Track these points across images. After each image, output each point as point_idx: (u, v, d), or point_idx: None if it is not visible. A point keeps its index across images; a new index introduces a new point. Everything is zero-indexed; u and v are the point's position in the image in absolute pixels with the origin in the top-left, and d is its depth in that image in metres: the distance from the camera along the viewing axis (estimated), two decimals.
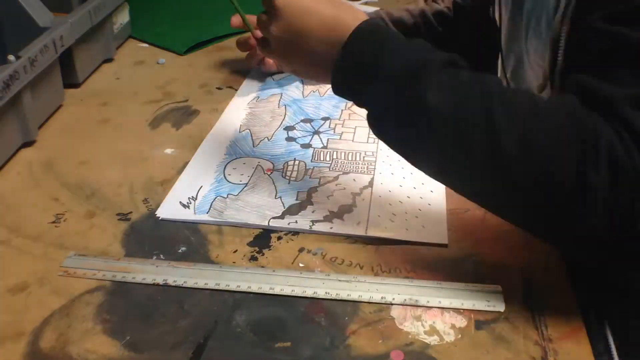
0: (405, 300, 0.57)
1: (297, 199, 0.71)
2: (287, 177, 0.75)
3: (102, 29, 1.01)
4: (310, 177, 0.75)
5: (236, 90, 0.96)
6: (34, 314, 0.55)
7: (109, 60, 1.04)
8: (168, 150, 0.80)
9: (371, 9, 1.31)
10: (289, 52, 0.64)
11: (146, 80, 0.99)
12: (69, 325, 0.54)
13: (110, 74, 1.01)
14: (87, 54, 0.97)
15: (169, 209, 0.69)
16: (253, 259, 0.62)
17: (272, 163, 0.78)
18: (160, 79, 0.99)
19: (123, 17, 1.09)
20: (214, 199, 0.70)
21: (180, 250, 0.63)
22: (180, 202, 0.70)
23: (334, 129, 0.85)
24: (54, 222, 0.67)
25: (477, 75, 0.53)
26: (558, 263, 0.62)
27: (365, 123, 0.84)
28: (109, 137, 0.83)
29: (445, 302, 0.57)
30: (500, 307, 0.56)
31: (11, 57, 0.75)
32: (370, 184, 0.74)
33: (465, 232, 0.66)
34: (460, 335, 0.54)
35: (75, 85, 0.95)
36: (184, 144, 0.82)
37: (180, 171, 0.76)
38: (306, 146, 0.81)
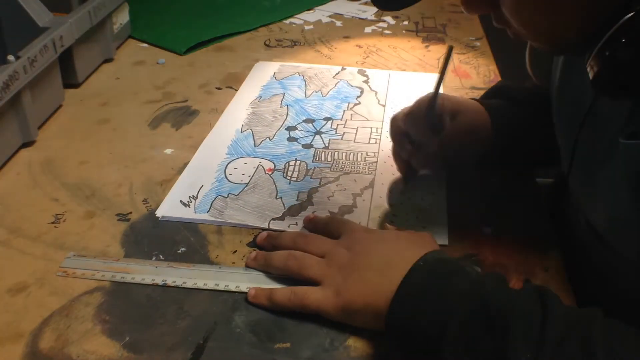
0: None
1: (297, 200, 0.71)
2: (288, 177, 0.75)
3: (102, 29, 1.01)
4: (311, 178, 0.75)
5: (236, 90, 0.96)
6: (33, 314, 0.55)
7: (108, 60, 1.04)
8: (168, 151, 0.80)
9: (372, 9, 1.31)
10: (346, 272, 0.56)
11: (146, 81, 0.99)
12: (68, 325, 0.54)
13: (110, 74, 1.01)
14: (86, 54, 0.97)
15: (169, 208, 0.69)
16: None
17: (273, 163, 0.78)
18: (160, 79, 0.99)
19: (123, 17, 1.09)
20: (215, 198, 0.70)
21: (179, 251, 0.63)
22: (180, 201, 0.70)
23: (336, 129, 0.85)
24: (53, 222, 0.67)
25: (576, 327, 0.45)
26: (558, 263, 0.62)
27: (367, 124, 0.84)
28: (109, 137, 0.83)
29: None
30: None
31: (11, 57, 0.75)
32: (371, 184, 0.73)
33: (465, 232, 0.66)
34: None
35: (75, 85, 0.95)
36: (183, 144, 0.81)
37: (180, 171, 0.75)
38: (307, 146, 0.81)
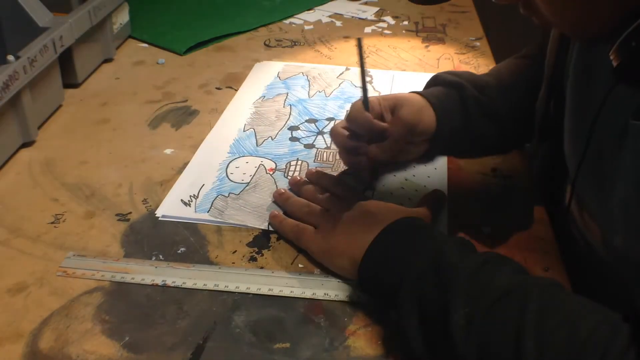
0: None
1: None
2: (289, 177, 0.75)
3: (102, 29, 1.01)
4: None
5: (236, 90, 0.96)
6: (33, 314, 0.55)
7: (108, 60, 1.04)
8: (167, 151, 0.80)
9: (372, 9, 1.31)
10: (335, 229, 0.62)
11: (146, 81, 0.99)
12: (68, 325, 0.54)
13: (110, 74, 1.01)
14: (86, 54, 0.97)
15: (170, 207, 0.69)
16: (252, 259, 0.62)
17: (275, 163, 0.78)
18: (160, 79, 0.99)
19: (123, 17, 1.09)
20: (215, 198, 0.70)
21: (179, 251, 0.63)
22: (181, 200, 0.70)
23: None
24: (53, 222, 0.67)
25: (514, 291, 0.48)
26: (558, 263, 0.62)
27: None
28: (109, 137, 0.83)
29: None
30: None
31: (11, 57, 0.75)
32: (372, 185, 0.73)
33: (465, 232, 0.66)
34: None
35: (75, 85, 0.95)
36: (183, 144, 0.81)
37: (179, 171, 0.75)
38: (309, 146, 0.81)
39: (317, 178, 0.72)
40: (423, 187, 0.73)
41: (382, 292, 0.55)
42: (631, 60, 0.48)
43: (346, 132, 0.70)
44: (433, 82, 0.75)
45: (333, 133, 0.72)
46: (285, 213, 0.68)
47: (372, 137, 0.69)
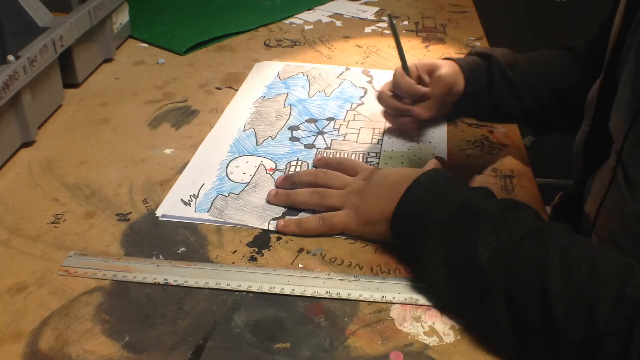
0: (405, 299, 0.57)
1: None
2: None
3: (102, 29, 1.01)
4: None
5: (236, 90, 0.96)
6: (33, 314, 0.55)
7: (108, 60, 1.04)
8: (167, 151, 0.80)
9: (372, 9, 1.31)
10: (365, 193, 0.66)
11: (146, 81, 0.99)
12: (68, 325, 0.54)
13: (110, 74, 1.01)
14: (86, 54, 0.97)
15: (170, 207, 0.69)
16: (252, 259, 0.62)
17: (275, 162, 0.78)
18: (159, 79, 0.99)
19: (123, 17, 1.09)
20: (215, 197, 0.70)
21: (179, 251, 0.63)
22: (181, 200, 0.70)
23: (338, 129, 0.85)
24: (53, 222, 0.67)
25: (536, 231, 0.52)
26: None
27: (369, 124, 0.86)
28: (109, 137, 0.83)
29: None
30: None
31: (11, 57, 0.75)
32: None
33: None
34: (459, 336, 0.54)
35: (75, 85, 0.95)
36: (183, 144, 0.82)
37: (179, 171, 0.75)
38: (310, 146, 0.81)
39: (325, 162, 0.75)
40: None
41: (412, 240, 0.58)
42: None
43: (391, 95, 0.81)
44: (468, 53, 0.85)
45: (380, 97, 0.82)
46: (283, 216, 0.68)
47: (416, 98, 0.79)
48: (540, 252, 0.50)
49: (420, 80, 0.80)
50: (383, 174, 0.66)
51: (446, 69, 0.78)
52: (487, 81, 0.80)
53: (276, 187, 0.72)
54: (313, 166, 0.76)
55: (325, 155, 0.79)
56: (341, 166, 0.73)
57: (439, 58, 0.85)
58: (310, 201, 0.67)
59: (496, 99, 0.80)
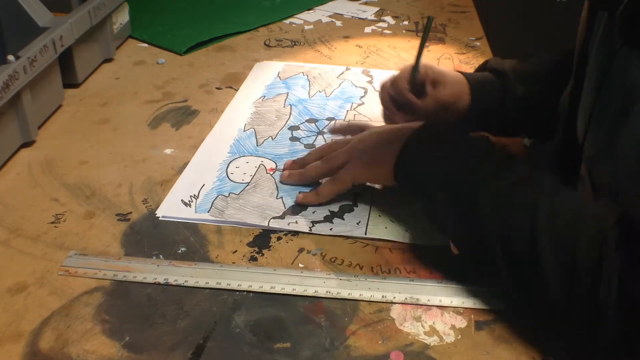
0: (405, 299, 0.57)
1: None
2: None
3: (102, 29, 1.01)
4: None
5: (236, 90, 0.96)
6: (33, 314, 0.55)
7: (108, 60, 1.04)
8: (167, 151, 0.80)
9: (372, 9, 1.31)
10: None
11: (146, 81, 0.99)
12: (68, 325, 0.54)
13: (110, 74, 1.01)
14: (86, 54, 0.97)
15: (170, 207, 0.69)
16: (252, 259, 0.62)
17: (275, 162, 0.78)
18: (160, 79, 0.99)
19: (123, 17, 1.09)
20: (216, 198, 0.70)
21: (179, 251, 0.63)
22: (182, 200, 0.70)
23: (329, 128, 0.85)
24: (53, 222, 0.67)
25: (530, 177, 0.57)
26: None
27: (369, 124, 0.86)
28: (109, 137, 0.83)
29: (446, 301, 0.57)
30: (501, 307, 0.56)
31: (11, 57, 0.75)
32: (372, 184, 0.73)
33: None
34: (460, 336, 0.54)
35: (75, 85, 0.95)
36: (183, 144, 0.81)
37: (179, 171, 0.75)
38: (310, 146, 0.81)
39: (337, 129, 0.80)
40: None
41: (417, 185, 0.63)
42: (632, 21, 0.52)
43: (388, 94, 0.78)
44: (482, 68, 0.82)
45: (381, 89, 0.79)
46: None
47: (403, 104, 0.76)
48: (531, 198, 0.54)
49: (421, 88, 0.77)
50: (385, 126, 0.71)
51: (449, 88, 0.75)
52: (498, 103, 0.76)
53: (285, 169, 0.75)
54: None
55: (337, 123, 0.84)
56: (350, 129, 0.77)
57: (439, 57, 0.83)
58: (320, 171, 0.71)
59: (507, 118, 0.77)
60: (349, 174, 0.68)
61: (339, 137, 0.77)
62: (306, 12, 1.29)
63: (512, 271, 0.54)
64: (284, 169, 0.75)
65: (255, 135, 0.83)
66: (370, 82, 0.99)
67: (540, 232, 0.52)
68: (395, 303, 0.57)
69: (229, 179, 0.74)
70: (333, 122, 0.86)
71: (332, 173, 0.70)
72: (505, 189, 0.56)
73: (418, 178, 0.63)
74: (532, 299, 0.54)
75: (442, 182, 0.60)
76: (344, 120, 0.87)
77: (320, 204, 0.69)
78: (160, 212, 0.68)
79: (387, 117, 0.79)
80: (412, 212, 0.68)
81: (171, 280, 0.59)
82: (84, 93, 0.95)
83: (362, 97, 0.94)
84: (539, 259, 0.51)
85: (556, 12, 1.80)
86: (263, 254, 0.63)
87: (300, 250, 0.63)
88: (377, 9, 1.32)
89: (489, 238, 0.55)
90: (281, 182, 0.73)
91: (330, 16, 1.28)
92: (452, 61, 1.07)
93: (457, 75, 0.77)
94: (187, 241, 0.64)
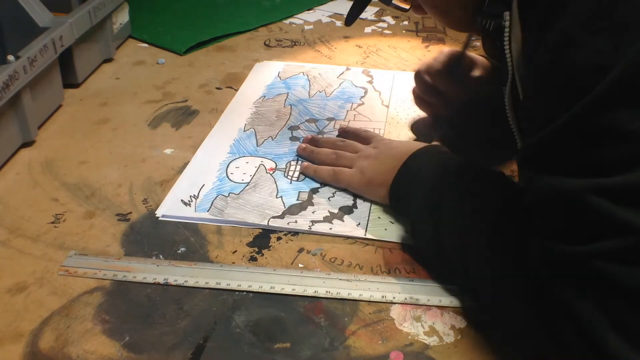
0: (405, 299, 0.57)
1: (298, 199, 0.71)
2: (289, 177, 0.75)
3: (102, 29, 1.01)
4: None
5: (236, 90, 0.96)
6: (33, 314, 0.55)
7: (108, 60, 1.04)
8: (167, 151, 0.80)
9: (372, 9, 1.31)
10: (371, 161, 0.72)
11: (146, 81, 0.99)
12: (68, 325, 0.54)
13: (110, 74, 1.01)
14: (86, 54, 0.97)
15: (170, 207, 0.69)
16: (252, 259, 0.62)
17: (275, 162, 0.78)
18: (160, 79, 0.99)
19: (123, 17, 1.09)
20: (215, 197, 0.70)
21: (179, 251, 0.63)
22: (181, 200, 0.70)
23: (339, 129, 0.85)
24: (53, 222, 0.67)
25: (480, 194, 0.58)
26: None
27: (370, 124, 0.87)
28: (109, 137, 0.83)
29: (446, 301, 0.57)
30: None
31: (11, 57, 0.75)
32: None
33: None
34: (460, 336, 0.54)
35: (75, 85, 0.95)
36: (183, 144, 0.81)
37: (179, 171, 0.75)
38: None
39: (346, 131, 0.82)
40: None
41: (405, 207, 0.65)
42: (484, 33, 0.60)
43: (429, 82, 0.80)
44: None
45: (415, 74, 0.80)
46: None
47: (438, 92, 0.78)
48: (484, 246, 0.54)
49: (456, 74, 0.78)
50: (392, 145, 0.72)
51: (480, 74, 0.78)
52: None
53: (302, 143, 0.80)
54: (338, 136, 0.82)
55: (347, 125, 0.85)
56: (359, 135, 0.79)
57: None
58: (327, 159, 0.75)
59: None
60: (345, 179, 0.72)
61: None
62: (306, 12, 1.29)
63: (473, 294, 0.57)
64: (303, 141, 0.81)
65: (255, 135, 0.83)
66: (370, 82, 0.99)
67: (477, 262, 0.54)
68: (395, 303, 0.57)
69: (229, 179, 0.74)
70: (336, 123, 0.86)
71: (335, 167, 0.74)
72: (478, 231, 0.55)
73: (405, 206, 0.66)
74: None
75: (418, 213, 0.62)
76: (344, 121, 0.87)
77: (312, 179, 0.74)
78: (160, 212, 0.68)
79: (419, 102, 0.83)
80: None
81: (171, 280, 0.59)
82: (84, 93, 0.95)
83: (362, 97, 0.94)
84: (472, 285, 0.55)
85: None
86: (263, 254, 0.63)
87: (300, 250, 0.63)
88: (377, 9, 1.32)
89: (455, 269, 0.57)
90: (296, 152, 0.79)
91: (330, 16, 1.28)
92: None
93: (484, 60, 0.80)
94: (187, 241, 0.64)
